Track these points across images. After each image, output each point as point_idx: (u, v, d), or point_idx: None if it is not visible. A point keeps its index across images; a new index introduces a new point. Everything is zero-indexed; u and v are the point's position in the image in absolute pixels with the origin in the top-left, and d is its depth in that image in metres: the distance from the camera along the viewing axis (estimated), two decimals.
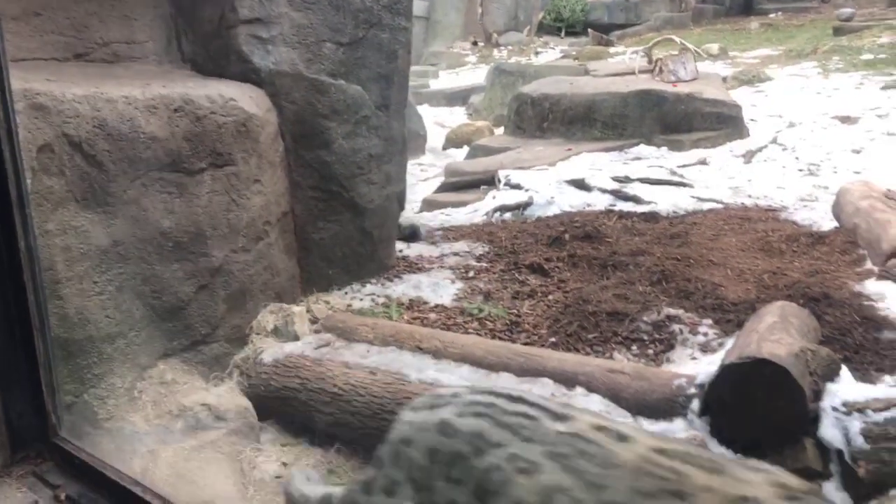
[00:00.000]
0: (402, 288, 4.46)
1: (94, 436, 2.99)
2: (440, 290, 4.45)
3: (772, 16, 22.86)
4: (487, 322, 4.03)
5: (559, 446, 1.57)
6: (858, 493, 2.49)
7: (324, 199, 4.22)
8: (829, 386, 2.76)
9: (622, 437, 1.57)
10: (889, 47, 14.01)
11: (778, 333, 3.00)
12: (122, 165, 3.11)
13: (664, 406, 2.98)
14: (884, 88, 10.22)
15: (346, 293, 4.36)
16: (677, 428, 2.88)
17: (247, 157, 3.67)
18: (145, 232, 3.22)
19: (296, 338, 3.71)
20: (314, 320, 3.87)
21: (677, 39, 10.70)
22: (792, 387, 2.66)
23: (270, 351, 3.64)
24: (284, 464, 3.16)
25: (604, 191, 6.44)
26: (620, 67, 11.35)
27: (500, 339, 3.86)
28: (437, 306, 4.24)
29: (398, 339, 3.59)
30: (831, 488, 2.55)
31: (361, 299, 4.29)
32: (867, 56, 13.47)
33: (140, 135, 3.16)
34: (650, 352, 3.64)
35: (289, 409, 3.49)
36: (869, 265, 4.20)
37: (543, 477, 1.55)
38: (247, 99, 3.72)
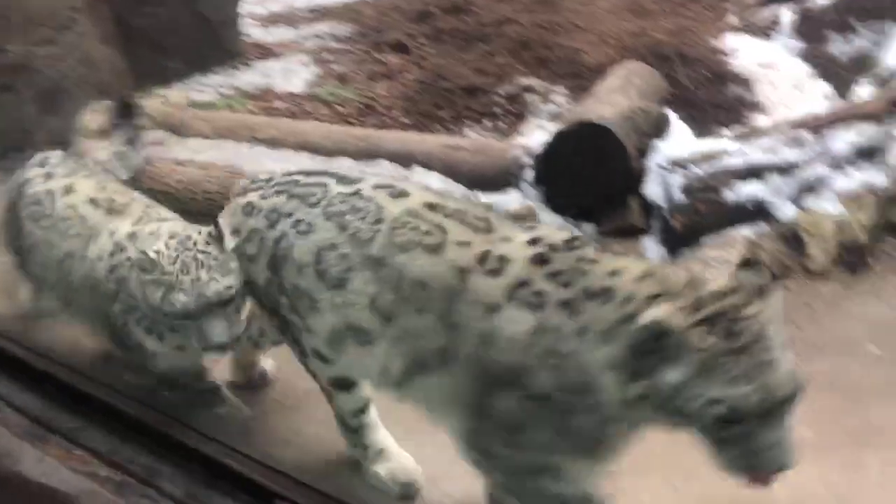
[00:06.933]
0: (251, 77, 4.14)
1: None
2: (292, 76, 4.16)
3: None
4: (339, 107, 3.81)
5: (336, 206, 1.60)
6: (673, 246, 2.55)
7: None
8: (657, 144, 2.73)
9: (399, 194, 1.58)
10: None
11: (615, 96, 2.90)
12: None
13: (501, 178, 2.92)
14: None
15: (187, 86, 4.03)
16: (512, 199, 2.84)
17: None
18: None
19: None
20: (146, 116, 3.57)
21: None
22: (615, 146, 2.61)
23: (99, 153, 3.38)
24: None
25: None
26: None
27: (351, 123, 3.67)
28: (286, 94, 3.97)
29: (234, 131, 3.37)
30: (650, 243, 2.60)
31: (203, 91, 3.98)
32: None
33: None
34: (502, 125, 3.53)
35: None
36: (730, 18, 4.07)
37: (317, 236, 1.59)
38: None
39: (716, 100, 3.37)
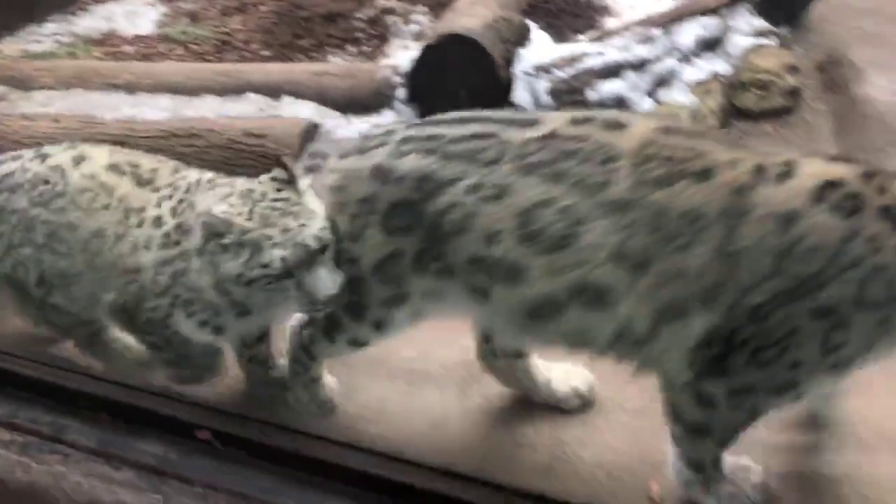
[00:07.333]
0: (91, 21, 3.87)
1: None
2: (137, 18, 3.93)
3: None
4: (194, 46, 3.64)
5: (534, 155, 1.32)
6: None
7: None
8: (521, 52, 2.81)
9: (615, 125, 1.33)
10: None
11: (476, 7, 2.95)
12: None
13: (373, 100, 2.93)
14: None
15: (19, 37, 3.71)
16: (387, 119, 2.86)
17: None
18: None
19: None
20: None
21: None
22: (483, 56, 2.67)
23: None
24: None
25: None
26: None
27: (209, 61, 3.53)
28: (134, 37, 3.74)
29: (83, 78, 3.15)
30: None
31: (40, 41, 3.69)
32: None
33: None
34: (366, 49, 3.51)
35: None
36: None
37: (518, 197, 1.32)
38: None
39: (569, 7, 3.49)
